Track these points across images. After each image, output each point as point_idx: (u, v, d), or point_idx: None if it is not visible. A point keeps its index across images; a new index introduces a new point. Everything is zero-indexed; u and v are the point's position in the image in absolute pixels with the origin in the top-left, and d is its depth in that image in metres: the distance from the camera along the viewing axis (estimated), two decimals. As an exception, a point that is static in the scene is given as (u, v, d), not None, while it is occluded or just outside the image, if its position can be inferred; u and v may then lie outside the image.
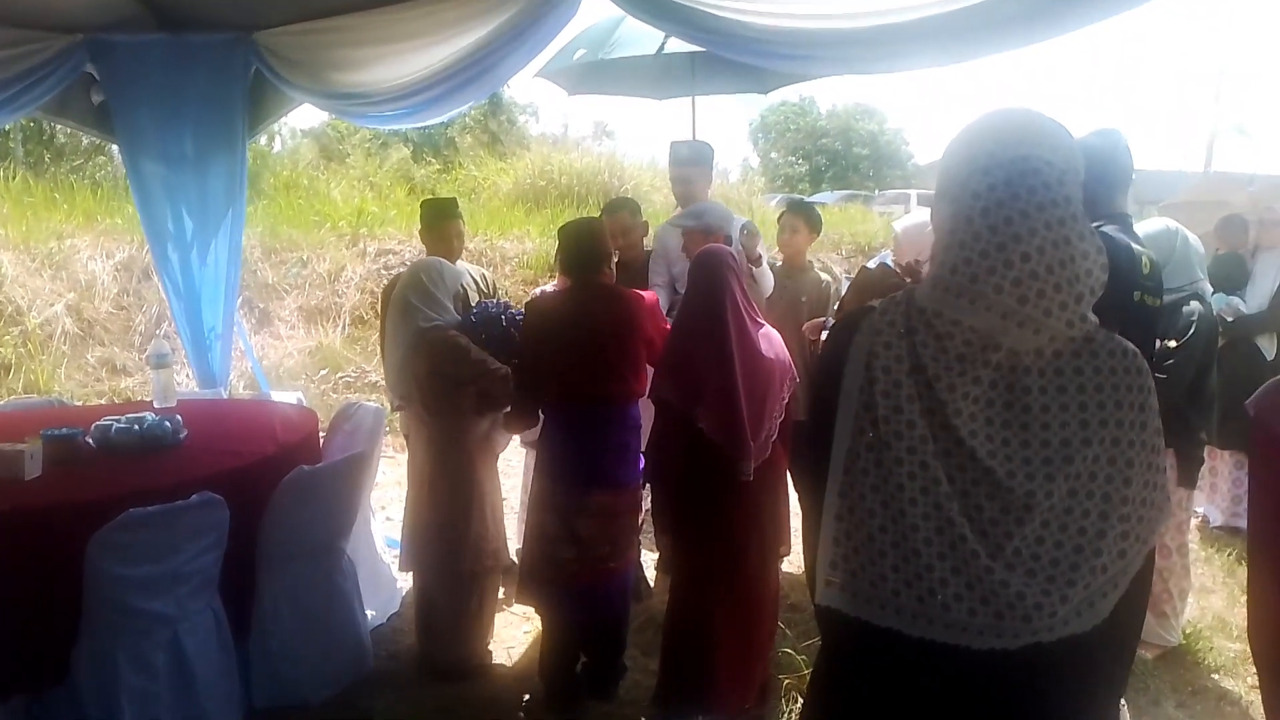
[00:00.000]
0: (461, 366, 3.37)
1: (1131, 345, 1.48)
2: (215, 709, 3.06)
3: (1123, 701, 1.71)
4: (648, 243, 4.56)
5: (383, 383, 6.50)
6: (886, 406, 1.49)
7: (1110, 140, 3.08)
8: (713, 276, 3.00)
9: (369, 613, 3.80)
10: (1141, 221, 3.97)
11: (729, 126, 58.23)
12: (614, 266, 3.43)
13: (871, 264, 3.37)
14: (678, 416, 2.95)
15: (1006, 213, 1.40)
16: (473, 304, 3.73)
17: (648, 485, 3.28)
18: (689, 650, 3.10)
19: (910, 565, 1.47)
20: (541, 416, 3.36)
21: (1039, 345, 1.43)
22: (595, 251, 3.31)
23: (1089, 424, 1.42)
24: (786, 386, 3.06)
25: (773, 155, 35.50)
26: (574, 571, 3.21)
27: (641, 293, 3.42)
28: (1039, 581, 1.40)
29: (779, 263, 4.58)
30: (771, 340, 3.06)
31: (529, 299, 3.49)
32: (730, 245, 3.74)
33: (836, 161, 34.06)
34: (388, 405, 5.00)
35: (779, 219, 4.55)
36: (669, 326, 3.22)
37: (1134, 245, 2.97)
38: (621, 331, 3.23)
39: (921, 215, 3.91)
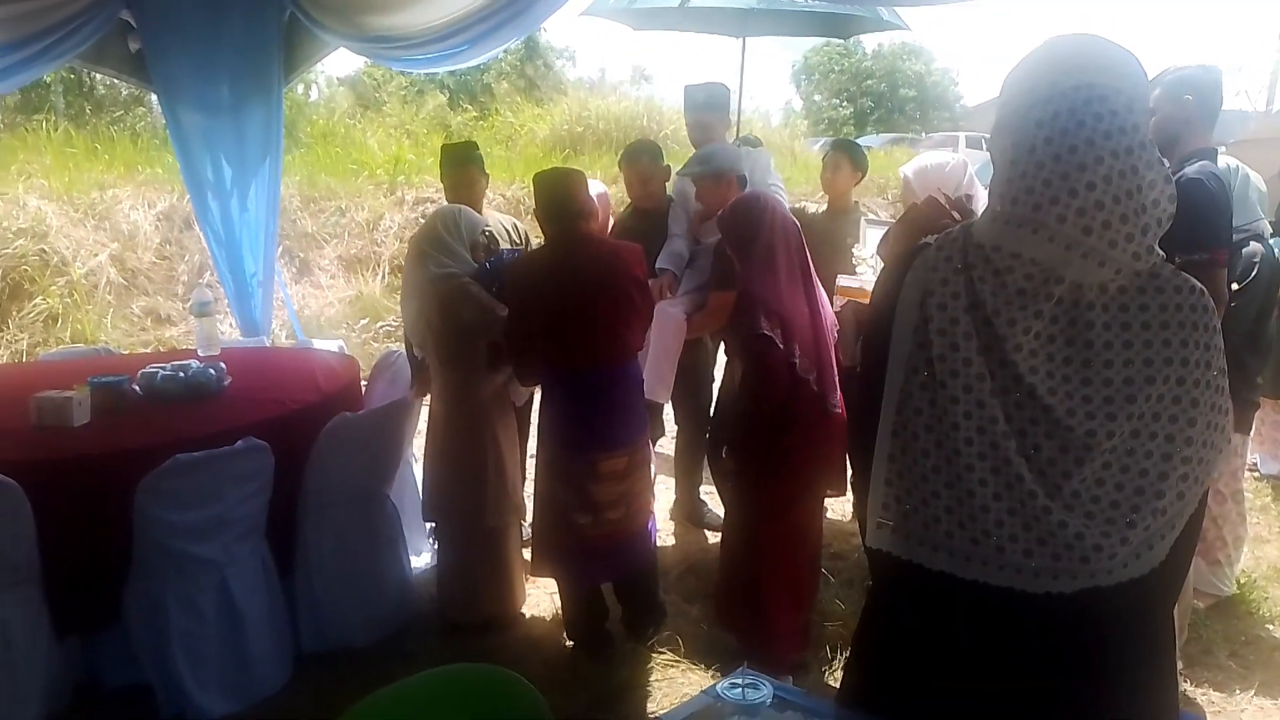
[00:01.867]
0: (473, 315, 3.28)
1: (1197, 282, 1.41)
2: (264, 652, 3.12)
3: None
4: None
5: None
6: (942, 344, 1.44)
7: (1213, 76, 3.00)
8: (775, 213, 3.05)
9: (413, 559, 3.82)
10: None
11: (771, 69, 57.12)
12: (618, 219, 3.34)
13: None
14: (779, 355, 2.88)
15: (1071, 140, 1.33)
16: (492, 255, 3.63)
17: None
18: (742, 594, 3.10)
19: (964, 506, 1.43)
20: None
21: (1103, 279, 1.38)
22: (571, 203, 3.14)
23: (1153, 362, 1.37)
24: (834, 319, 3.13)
25: (816, 98, 34.80)
26: (592, 536, 3.17)
27: (624, 243, 3.34)
28: (1098, 523, 1.37)
29: (823, 205, 4.48)
30: (817, 282, 3.14)
31: (510, 261, 3.37)
32: (743, 186, 3.65)
33: (882, 104, 33.31)
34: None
35: (823, 158, 4.43)
36: (742, 267, 3.06)
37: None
38: (609, 285, 3.11)
39: (933, 158, 3.79)
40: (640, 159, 4.14)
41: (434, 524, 3.72)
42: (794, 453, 2.97)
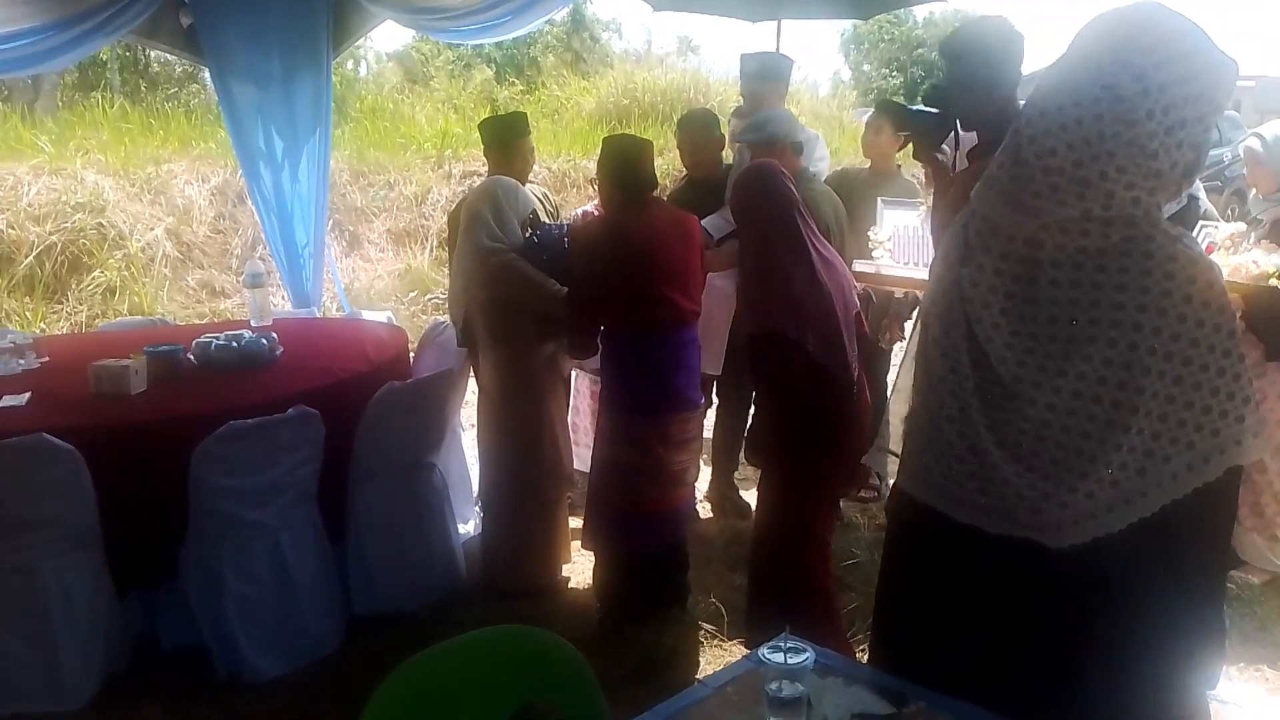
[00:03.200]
0: (522, 290, 3.30)
1: (1194, 254, 1.39)
2: (317, 615, 3.18)
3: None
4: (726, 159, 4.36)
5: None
6: (935, 292, 1.58)
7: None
8: (776, 190, 2.83)
9: (460, 526, 3.87)
10: (1261, 126, 3.79)
11: (819, 38, 56.32)
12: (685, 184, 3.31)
13: None
14: (785, 345, 2.72)
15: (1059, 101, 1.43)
16: (538, 228, 3.61)
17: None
18: (776, 569, 3.07)
19: (937, 443, 1.53)
20: (600, 346, 3.26)
21: (1030, 232, 1.43)
22: (642, 170, 3.18)
23: (1099, 322, 1.37)
24: (855, 299, 2.95)
25: (865, 68, 34.19)
26: (652, 501, 3.19)
27: (684, 211, 3.34)
28: (1037, 477, 1.40)
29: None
30: (829, 253, 2.95)
31: (575, 225, 3.37)
32: (800, 155, 3.58)
33: (933, 73, 32.60)
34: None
35: (865, 120, 4.33)
36: (745, 252, 3.00)
37: None
38: (681, 250, 3.15)
39: None
40: (692, 127, 4.09)
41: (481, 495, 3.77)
42: (822, 451, 2.85)
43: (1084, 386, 1.38)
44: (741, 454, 4.10)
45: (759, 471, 3.10)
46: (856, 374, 2.87)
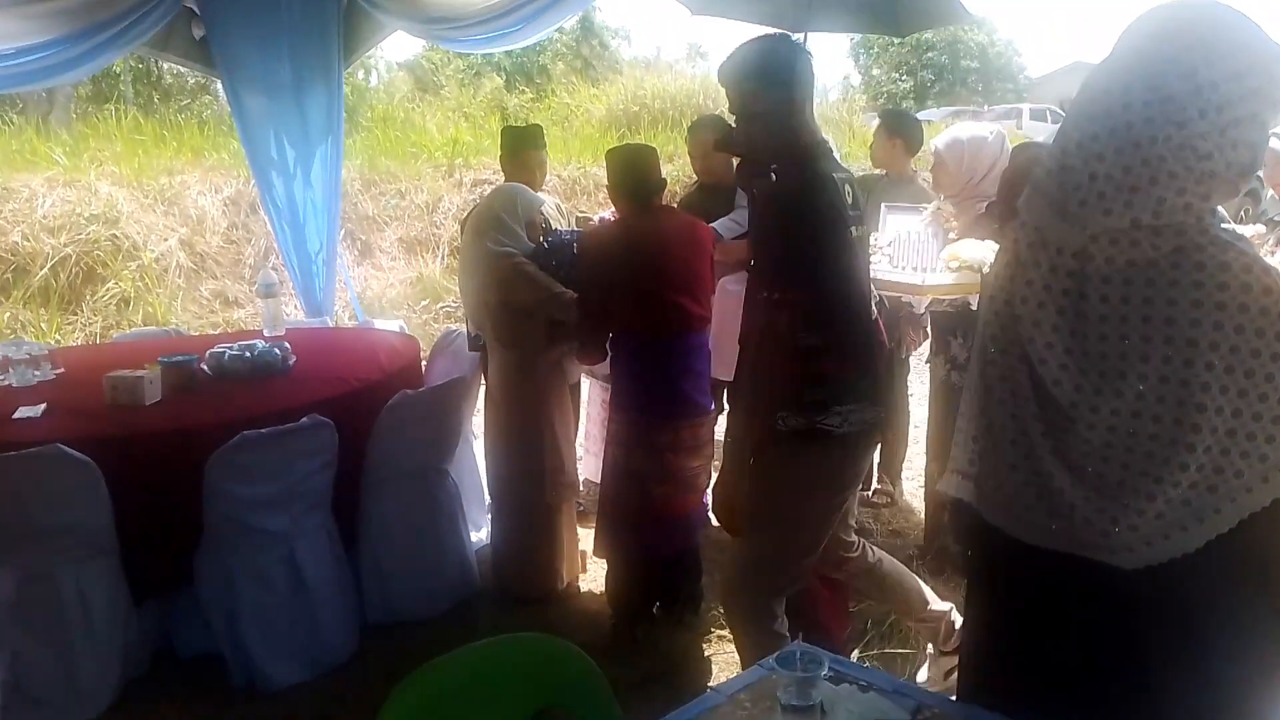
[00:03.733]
0: (531, 294, 3.31)
1: (1251, 260, 1.33)
2: (331, 622, 3.19)
3: None
4: None
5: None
6: (989, 310, 1.52)
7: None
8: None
9: (473, 533, 3.88)
10: None
11: (828, 42, 56.25)
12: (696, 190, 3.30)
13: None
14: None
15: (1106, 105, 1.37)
16: (550, 233, 3.64)
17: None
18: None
19: (1001, 466, 1.49)
20: (610, 351, 3.27)
21: (1080, 244, 1.38)
22: (649, 178, 3.20)
23: (1151, 339, 1.32)
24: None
25: (874, 71, 34.22)
26: (664, 504, 3.19)
27: (694, 217, 3.35)
28: (1103, 499, 1.37)
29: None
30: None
31: (584, 231, 3.38)
32: None
33: (943, 76, 32.64)
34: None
35: (874, 131, 4.35)
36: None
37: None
38: (691, 256, 3.16)
39: (968, 129, 3.65)
40: (700, 133, 4.13)
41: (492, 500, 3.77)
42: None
43: (1143, 406, 1.34)
44: None
45: None
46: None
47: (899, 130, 4.22)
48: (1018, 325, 1.44)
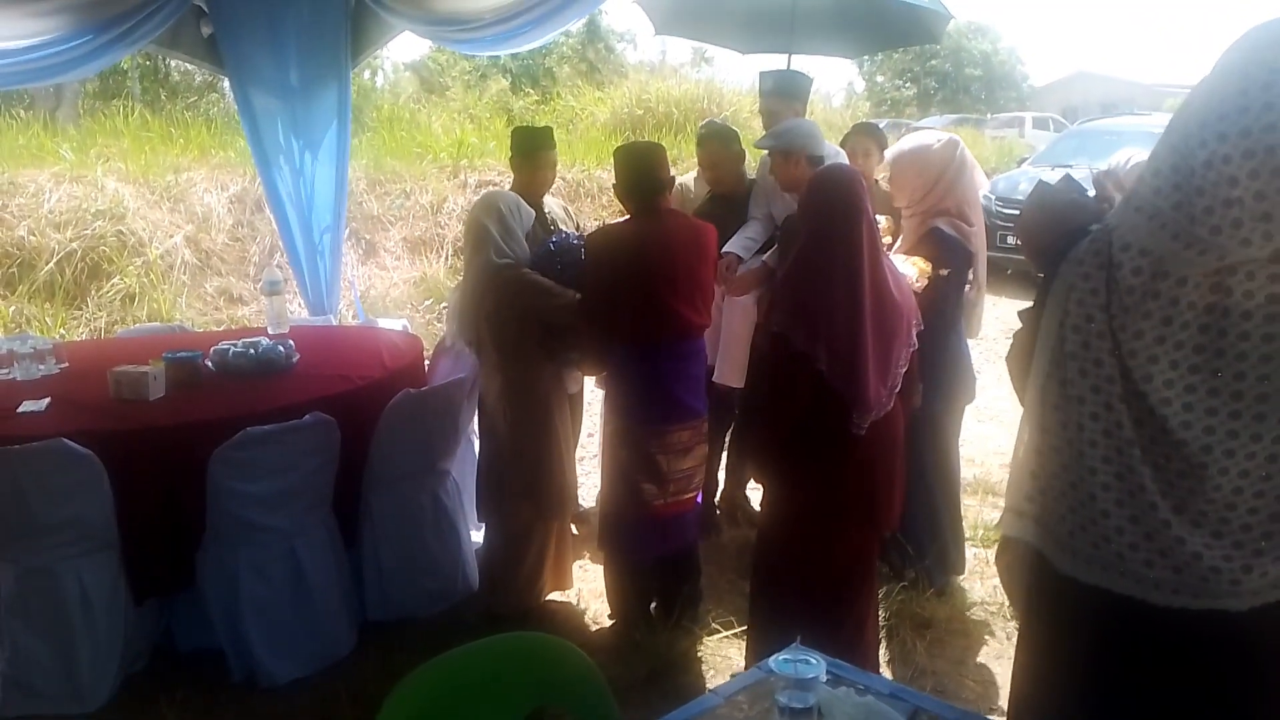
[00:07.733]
0: (536, 300, 3.24)
1: None
2: (331, 619, 3.21)
3: None
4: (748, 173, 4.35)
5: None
6: (1074, 342, 1.41)
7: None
8: (845, 198, 2.57)
9: (474, 533, 3.89)
10: None
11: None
12: (713, 197, 3.29)
13: (1052, 179, 2.71)
14: (793, 353, 2.53)
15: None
16: (555, 236, 3.56)
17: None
18: (769, 576, 2.92)
19: (1086, 509, 1.40)
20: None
21: (1203, 270, 1.27)
22: (656, 177, 3.16)
23: None
24: (913, 330, 2.69)
25: (878, 79, 34.26)
26: (659, 507, 3.20)
27: (702, 221, 3.32)
28: (1224, 545, 1.30)
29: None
30: (898, 278, 2.69)
31: (589, 234, 3.32)
32: (815, 166, 3.52)
33: (946, 84, 32.69)
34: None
35: (842, 141, 4.16)
36: (792, 248, 2.84)
37: None
38: (695, 263, 3.15)
39: (917, 138, 3.50)
40: (708, 142, 4.09)
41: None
42: (803, 464, 2.66)
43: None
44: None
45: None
46: (884, 411, 2.61)
47: (880, 143, 4.13)
48: (1127, 361, 1.34)
